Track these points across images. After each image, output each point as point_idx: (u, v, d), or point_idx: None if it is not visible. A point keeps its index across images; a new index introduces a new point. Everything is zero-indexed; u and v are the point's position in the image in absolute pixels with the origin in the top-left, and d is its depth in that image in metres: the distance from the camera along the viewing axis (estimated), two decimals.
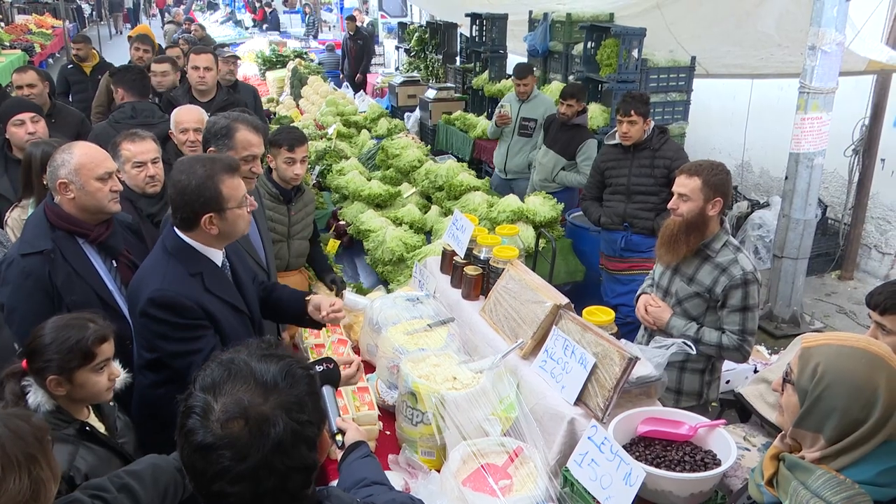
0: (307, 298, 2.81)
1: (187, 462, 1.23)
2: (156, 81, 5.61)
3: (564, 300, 2.66)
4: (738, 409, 3.44)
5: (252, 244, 3.13)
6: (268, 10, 23.32)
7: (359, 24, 15.95)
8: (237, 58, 6.33)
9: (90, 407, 2.20)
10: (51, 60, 16.44)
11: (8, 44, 14.68)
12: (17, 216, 3.34)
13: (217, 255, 2.47)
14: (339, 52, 14.70)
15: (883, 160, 6.59)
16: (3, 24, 17.08)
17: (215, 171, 2.34)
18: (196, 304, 2.34)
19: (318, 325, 2.86)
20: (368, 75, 13.54)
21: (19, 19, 18.99)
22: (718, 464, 2.17)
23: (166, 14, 26.42)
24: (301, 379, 1.27)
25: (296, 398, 1.24)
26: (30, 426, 1.41)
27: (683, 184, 3.00)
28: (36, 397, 2.00)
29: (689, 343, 2.58)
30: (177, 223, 2.40)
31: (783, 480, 1.57)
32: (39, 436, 1.41)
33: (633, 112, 4.42)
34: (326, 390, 2.03)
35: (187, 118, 3.86)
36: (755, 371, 3.84)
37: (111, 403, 2.29)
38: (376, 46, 15.68)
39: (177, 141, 3.90)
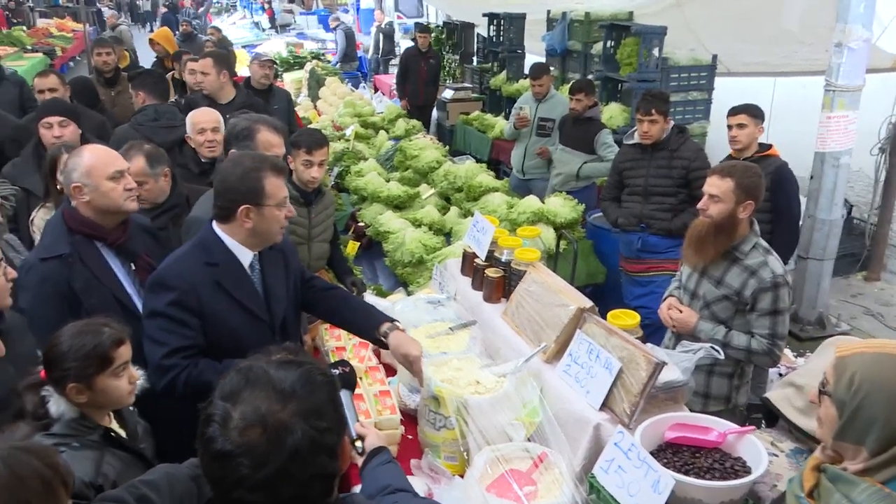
0: (386, 328, 2.61)
1: (207, 470, 1.23)
2: (193, 81, 5.62)
3: (588, 303, 2.61)
4: (764, 414, 3.39)
5: None
6: (278, 9, 23.43)
7: (379, 23, 15.83)
8: (273, 62, 6.36)
9: (111, 413, 2.19)
10: (71, 64, 16.62)
11: (30, 47, 14.87)
12: (43, 216, 3.36)
13: (245, 255, 2.46)
14: (358, 62, 14.54)
15: None
16: (24, 27, 17.29)
17: (262, 166, 2.38)
18: (192, 290, 2.33)
19: (384, 345, 2.64)
20: (385, 76, 13.33)
21: (41, 23, 19.23)
22: (748, 471, 2.11)
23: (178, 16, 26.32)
24: (321, 386, 1.26)
25: (314, 405, 1.23)
26: (40, 464, 1.26)
27: (715, 184, 2.94)
28: (58, 406, 1.98)
29: (716, 348, 2.53)
30: (215, 213, 2.44)
31: (825, 493, 1.52)
32: (47, 477, 1.26)
33: (653, 111, 4.36)
34: (343, 395, 1.99)
35: (205, 119, 3.91)
36: (780, 375, 3.78)
37: (131, 408, 2.28)
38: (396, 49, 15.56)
39: (194, 143, 3.91)
